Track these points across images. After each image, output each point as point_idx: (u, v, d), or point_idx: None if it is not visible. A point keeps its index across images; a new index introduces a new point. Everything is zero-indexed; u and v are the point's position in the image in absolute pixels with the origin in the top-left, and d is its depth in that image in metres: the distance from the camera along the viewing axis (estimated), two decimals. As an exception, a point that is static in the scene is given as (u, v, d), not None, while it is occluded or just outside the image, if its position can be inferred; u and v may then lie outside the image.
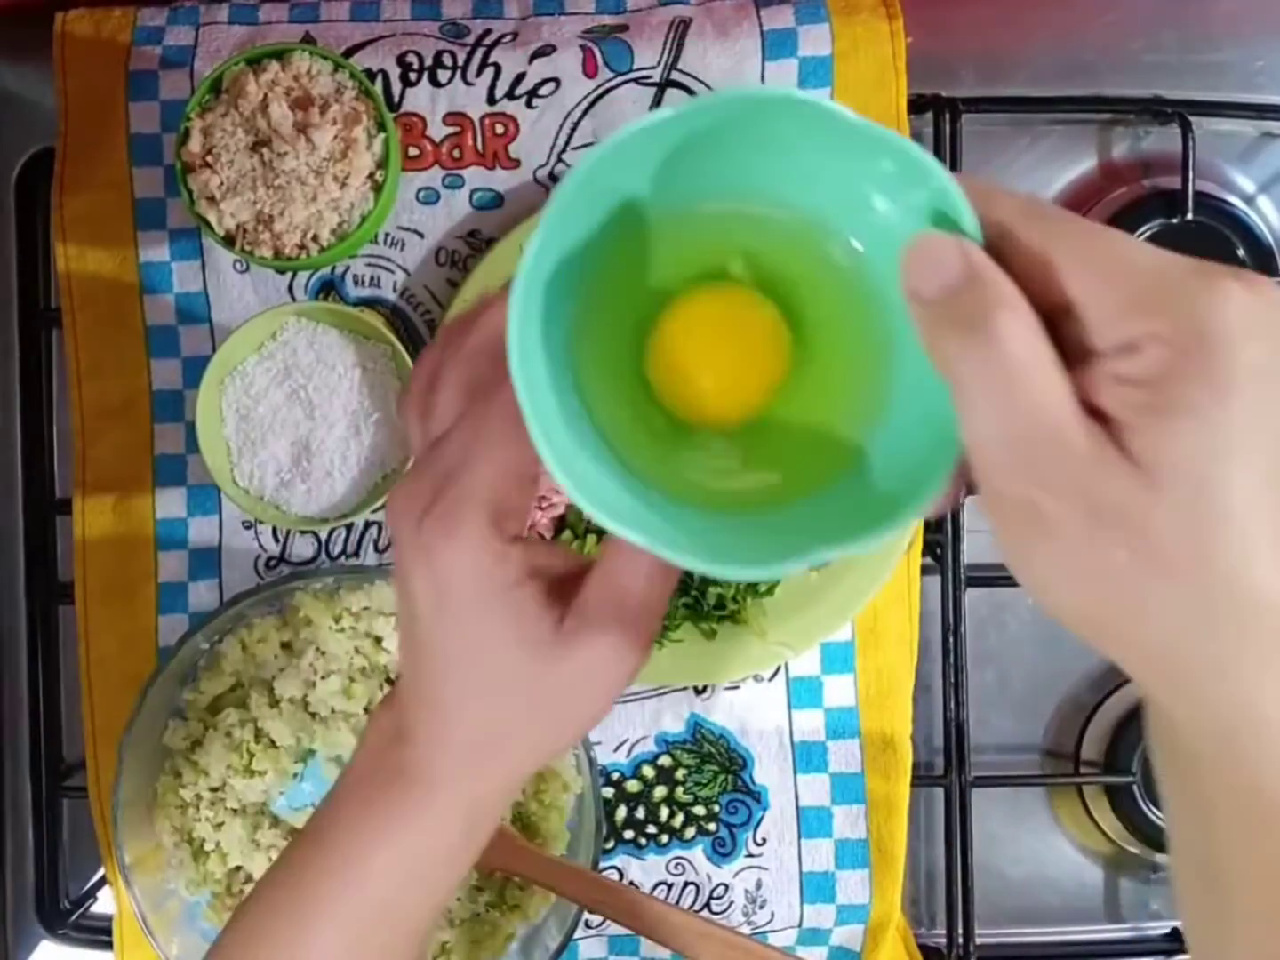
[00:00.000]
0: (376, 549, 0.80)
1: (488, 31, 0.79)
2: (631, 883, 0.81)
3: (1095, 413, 0.32)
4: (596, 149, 0.35)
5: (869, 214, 0.37)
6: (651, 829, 0.81)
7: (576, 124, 0.79)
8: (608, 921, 0.80)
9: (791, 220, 0.39)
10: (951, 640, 0.81)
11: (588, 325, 0.39)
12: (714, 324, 0.40)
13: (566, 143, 0.79)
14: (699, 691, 0.80)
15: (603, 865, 0.80)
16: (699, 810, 0.81)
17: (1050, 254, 0.33)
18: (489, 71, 0.78)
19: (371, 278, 0.80)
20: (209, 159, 0.71)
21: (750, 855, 0.80)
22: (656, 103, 0.78)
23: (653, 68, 0.78)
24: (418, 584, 0.40)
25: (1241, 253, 0.82)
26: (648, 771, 0.81)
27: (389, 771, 0.44)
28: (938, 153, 0.80)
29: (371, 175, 0.73)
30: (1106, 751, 0.84)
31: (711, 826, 0.81)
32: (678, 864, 0.81)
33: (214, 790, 0.76)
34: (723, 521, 0.39)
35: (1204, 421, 0.30)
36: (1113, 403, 0.31)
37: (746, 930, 0.81)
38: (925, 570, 0.80)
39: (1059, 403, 0.31)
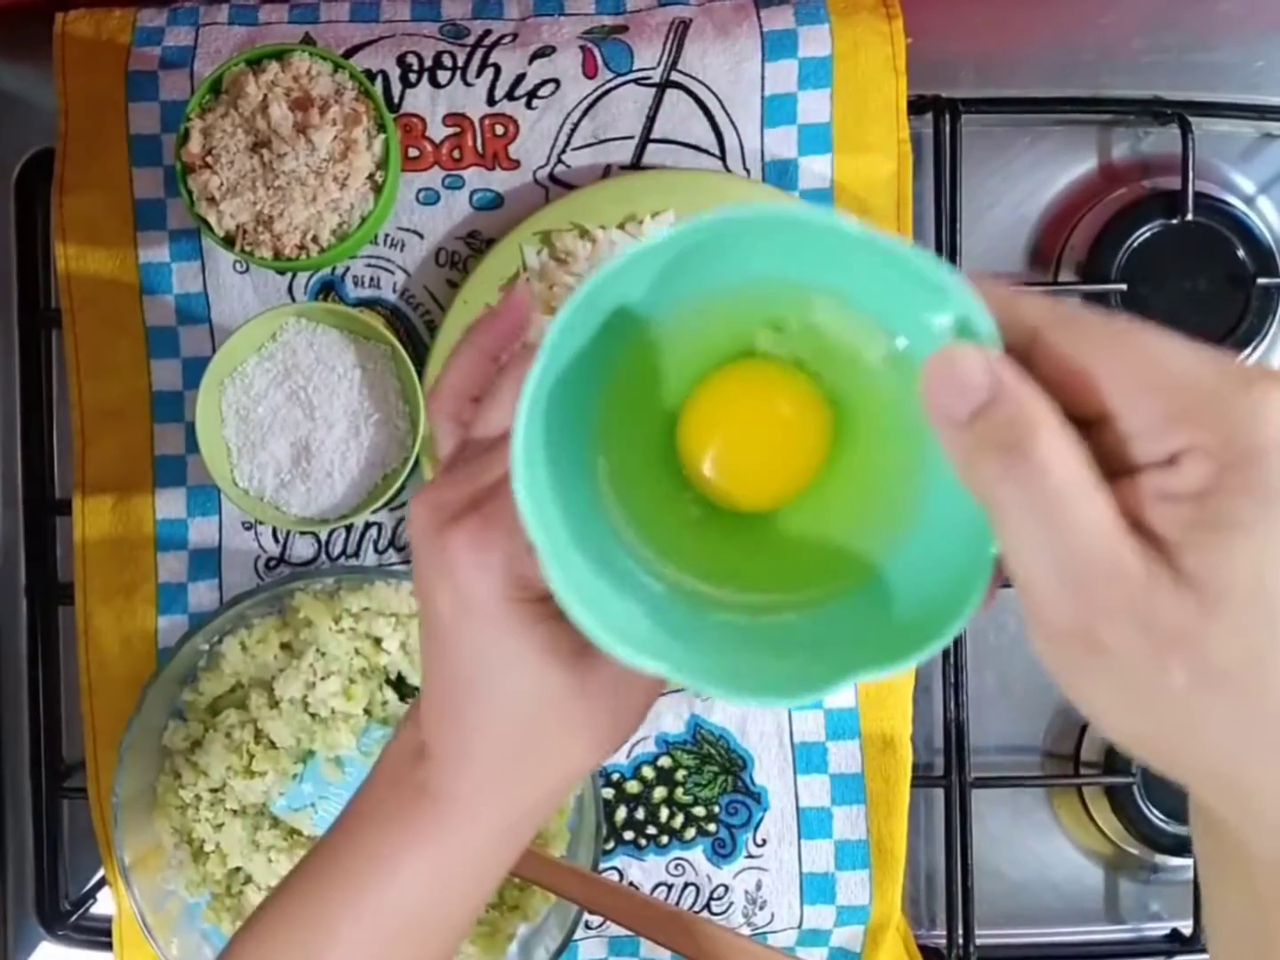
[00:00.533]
0: (376, 550, 0.80)
1: (488, 32, 0.79)
2: (631, 884, 0.81)
3: (1140, 528, 0.31)
4: (592, 277, 0.33)
5: (893, 314, 0.36)
6: (651, 830, 0.81)
7: (576, 125, 0.79)
8: (608, 922, 0.79)
9: (826, 303, 0.37)
10: (951, 641, 0.81)
11: (616, 424, 0.38)
12: (748, 397, 0.38)
13: (566, 143, 0.79)
14: (699, 692, 0.80)
15: (603, 866, 0.80)
16: (699, 811, 0.80)
17: (1083, 362, 0.31)
18: (489, 72, 0.78)
19: (371, 278, 0.80)
20: (209, 159, 0.71)
21: (750, 856, 0.80)
22: (656, 104, 0.78)
23: (653, 68, 0.78)
24: (440, 597, 0.39)
25: (1241, 253, 0.82)
26: (647, 772, 0.81)
27: (411, 788, 0.43)
28: (938, 152, 0.80)
29: (371, 176, 0.73)
30: (1106, 752, 0.84)
31: (711, 827, 0.80)
32: (678, 865, 0.81)
33: (214, 791, 0.76)
34: (746, 630, 0.38)
35: (1254, 536, 0.29)
36: (1158, 519, 0.30)
37: (746, 931, 0.81)
38: (925, 571, 0.80)
39: (1108, 527, 0.30)
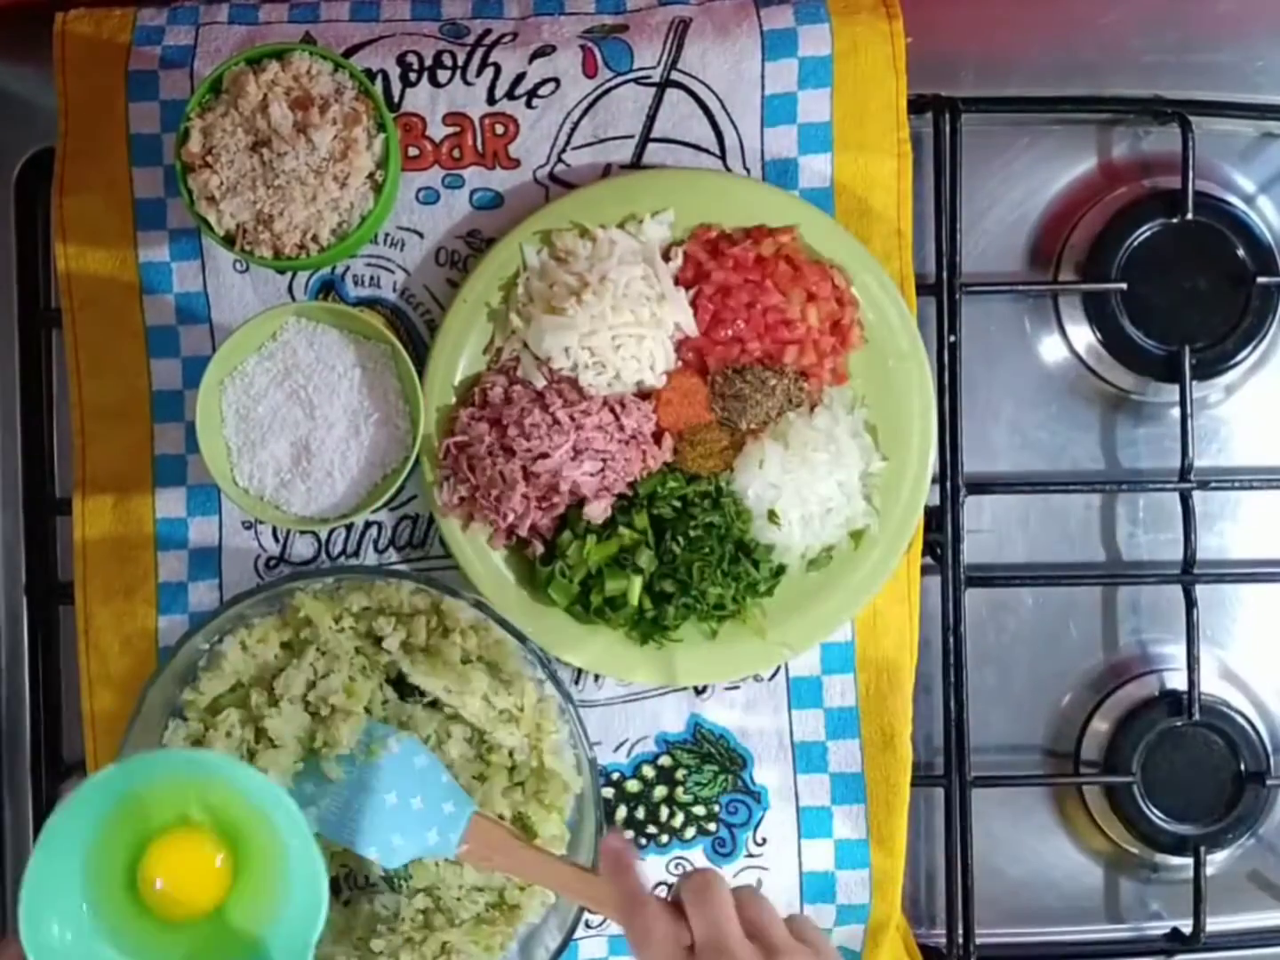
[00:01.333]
0: (376, 549, 0.80)
1: (488, 31, 0.79)
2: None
3: None
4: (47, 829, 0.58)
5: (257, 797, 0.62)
6: (651, 829, 0.81)
7: (576, 124, 0.79)
8: (608, 921, 0.80)
9: (235, 794, 0.63)
10: (951, 640, 0.81)
11: (117, 867, 0.63)
12: (170, 859, 0.63)
13: (566, 143, 0.79)
14: (699, 691, 0.80)
15: (603, 865, 0.80)
16: (699, 810, 0.80)
17: None
18: (489, 71, 0.78)
19: (371, 278, 0.80)
20: (209, 159, 0.71)
21: (750, 855, 0.80)
22: (656, 103, 0.78)
23: (653, 68, 0.78)
24: None
25: (1241, 252, 0.82)
26: (648, 771, 0.81)
27: None
28: (938, 152, 0.81)
29: (371, 175, 0.73)
30: (1106, 751, 0.84)
31: (711, 826, 0.80)
32: (678, 864, 0.81)
33: (214, 790, 0.76)
34: None
35: None
36: None
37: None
38: (925, 570, 0.80)
39: None
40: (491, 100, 0.79)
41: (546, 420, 0.74)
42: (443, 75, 0.78)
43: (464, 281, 0.77)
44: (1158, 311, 0.82)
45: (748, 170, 0.79)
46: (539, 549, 0.77)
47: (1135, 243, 0.82)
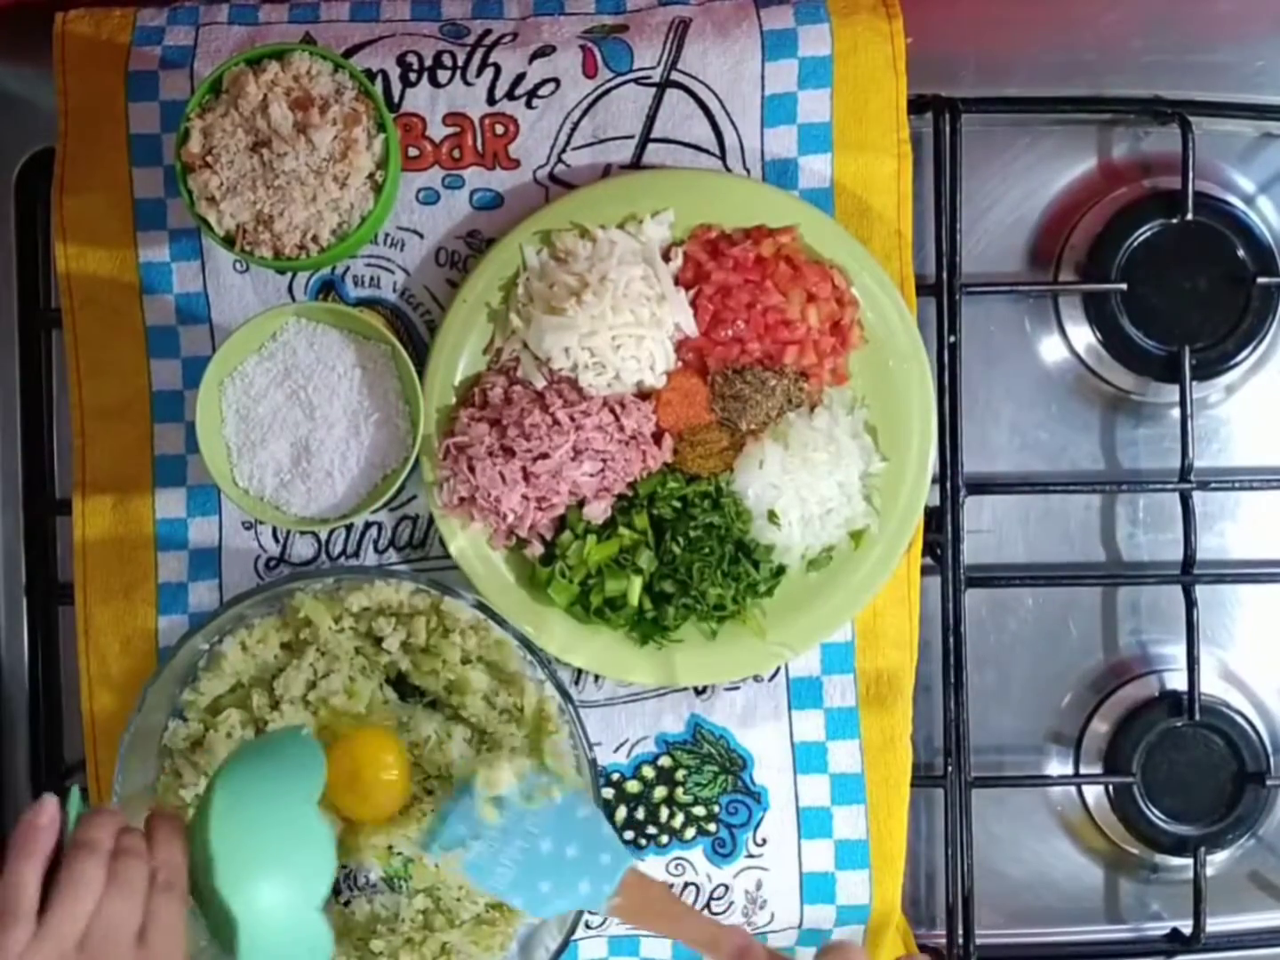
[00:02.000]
0: (376, 549, 0.80)
1: (488, 32, 0.79)
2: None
3: None
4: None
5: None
6: (651, 829, 0.81)
7: (576, 124, 0.79)
8: (608, 922, 0.80)
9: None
10: (951, 640, 0.81)
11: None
12: (353, 758, 0.70)
13: (566, 143, 0.79)
14: (699, 691, 0.80)
15: (603, 865, 0.80)
16: (699, 811, 0.80)
17: None
18: (489, 72, 0.78)
19: (371, 278, 0.80)
20: (209, 159, 0.71)
21: (750, 856, 0.80)
22: (656, 103, 0.78)
23: (653, 68, 0.78)
24: None
25: (1241, 253, 0.82)
26: (648, 772, 0.81)
27: None
28: (938, 152, 0.80)
29: (371, 175, 0.73)
30: (1106, 751, 0.84)
31: (711, 827, 0.80)
32: (678, 864, 0.81)
33: (214, 790, 0.76)
34: None
35: None
36: None
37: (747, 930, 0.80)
38: (925, 570, 0.80)
39: None
40: (491, 100, 0.79)
41: (546, 421, 0.74)
42: (443, 75, 0.78)
43: (464, 281, 0.77)
44: (1158, 311, 0.83)
45: (748, 170, 0.79)
46: (539, 549, 0.77)
47: (1135, 243, 0.82)
